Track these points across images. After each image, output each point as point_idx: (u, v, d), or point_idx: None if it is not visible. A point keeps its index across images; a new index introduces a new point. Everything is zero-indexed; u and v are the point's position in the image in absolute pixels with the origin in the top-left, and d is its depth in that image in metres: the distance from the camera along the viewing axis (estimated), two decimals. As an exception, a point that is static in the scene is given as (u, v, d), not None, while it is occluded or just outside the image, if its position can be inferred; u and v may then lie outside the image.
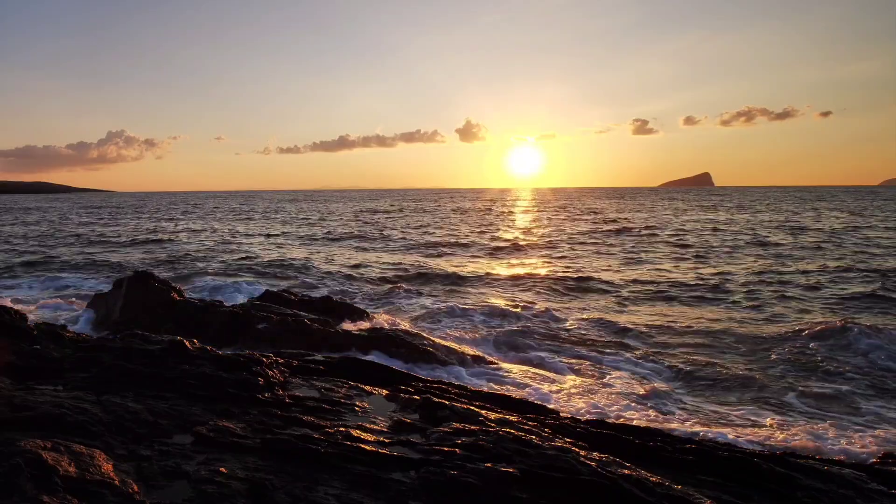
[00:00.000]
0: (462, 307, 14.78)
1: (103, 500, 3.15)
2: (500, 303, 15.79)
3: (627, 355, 11.05)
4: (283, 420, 4.65)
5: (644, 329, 13.03)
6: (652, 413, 8.10)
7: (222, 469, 3.66)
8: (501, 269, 23.13)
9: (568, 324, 13.63)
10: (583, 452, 4.09)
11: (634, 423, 6.95)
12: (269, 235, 39.46)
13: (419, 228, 44.21)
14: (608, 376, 9.76)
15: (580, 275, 20.67)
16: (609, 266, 23.36)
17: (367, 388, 5.98)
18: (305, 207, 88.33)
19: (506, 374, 9.63)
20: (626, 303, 16.35)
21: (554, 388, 9.01)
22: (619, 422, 6.30)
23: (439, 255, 27.66)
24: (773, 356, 10.95)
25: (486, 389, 7.35)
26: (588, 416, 7.16)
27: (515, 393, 8.03)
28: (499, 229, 42.72)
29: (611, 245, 30.88)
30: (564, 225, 45.58)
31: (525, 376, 9.55)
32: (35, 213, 75.19)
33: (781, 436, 7.30)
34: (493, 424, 4.62)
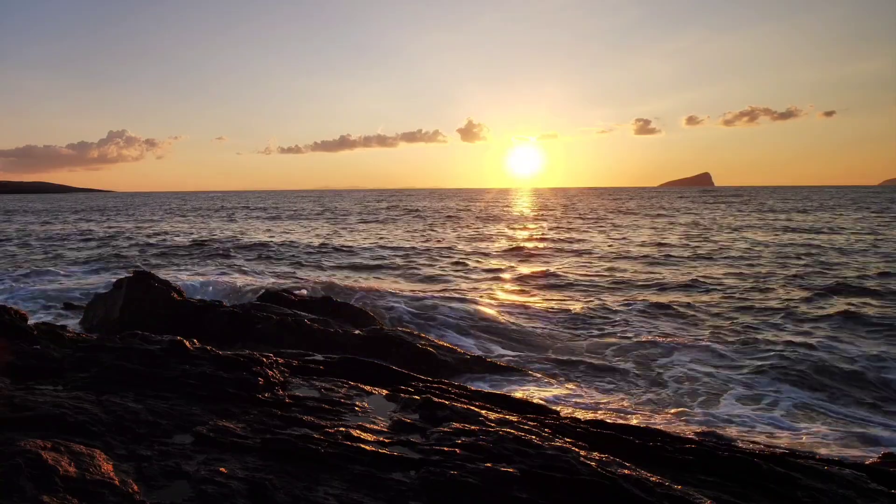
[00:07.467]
0: (466, 305, 14.75)
1: (103, 500, 3.15)
2: (508, 303, 15.77)
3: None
4: (283, 420, 4.66)
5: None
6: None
7: (222, 469, 3.66)
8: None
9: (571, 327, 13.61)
10: (583, 452, 4.08)
11: (633, 421, 6.96)
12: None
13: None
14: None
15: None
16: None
17: (367, 388, 5.98)
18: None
19: (507, 374, 9.62)
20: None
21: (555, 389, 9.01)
22: (619, 422, 6.30)
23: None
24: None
25: (486, 389, 7.35)
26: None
27: (515, 393, 8.03)
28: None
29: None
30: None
31: (526, 376, 9.55)
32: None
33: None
34: (493, 424, 4.62)
